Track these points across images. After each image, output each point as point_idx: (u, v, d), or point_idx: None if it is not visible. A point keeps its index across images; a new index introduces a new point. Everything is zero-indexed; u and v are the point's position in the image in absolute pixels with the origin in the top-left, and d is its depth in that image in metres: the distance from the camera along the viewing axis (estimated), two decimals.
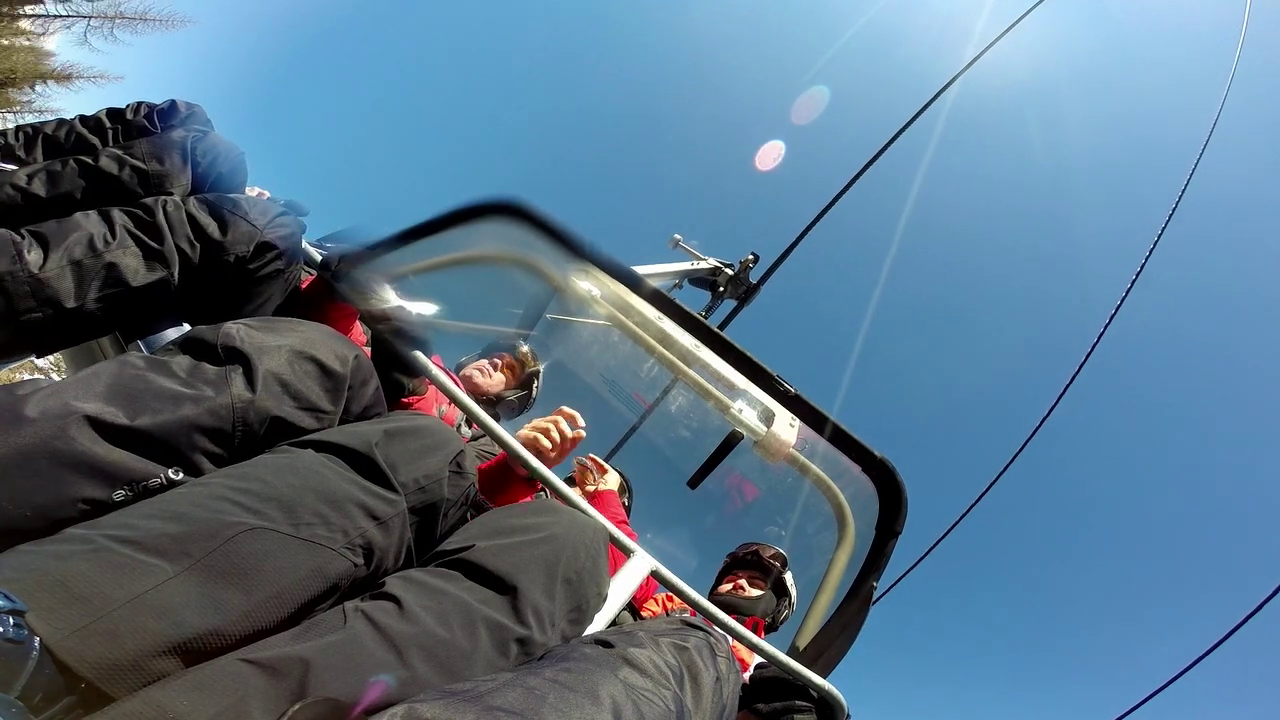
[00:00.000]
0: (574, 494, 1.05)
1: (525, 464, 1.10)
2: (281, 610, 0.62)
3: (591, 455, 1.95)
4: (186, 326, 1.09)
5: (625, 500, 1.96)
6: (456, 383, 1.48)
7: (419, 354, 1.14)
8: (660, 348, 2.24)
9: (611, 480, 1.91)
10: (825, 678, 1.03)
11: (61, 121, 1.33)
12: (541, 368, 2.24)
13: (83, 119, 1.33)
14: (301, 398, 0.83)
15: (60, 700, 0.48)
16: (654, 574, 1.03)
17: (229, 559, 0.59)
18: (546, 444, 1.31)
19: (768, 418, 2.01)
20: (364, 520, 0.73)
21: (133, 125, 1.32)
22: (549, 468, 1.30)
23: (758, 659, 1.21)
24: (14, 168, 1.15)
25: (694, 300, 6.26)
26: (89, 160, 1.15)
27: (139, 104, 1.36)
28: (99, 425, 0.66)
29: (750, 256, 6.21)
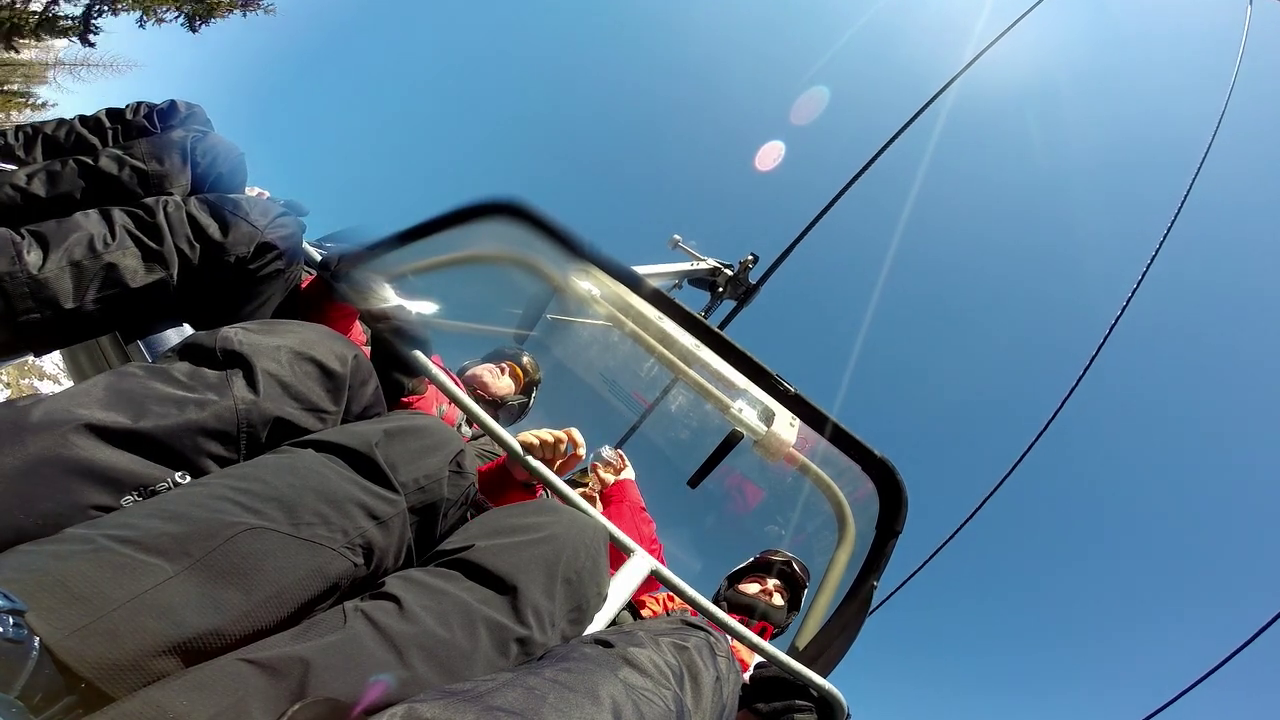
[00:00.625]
0: (574, 494, 1.05)
1: (525, 464, 1.10)
2: (281, 610, 0.62)
3: (618, 450, 1.95)
4: (186, 326, 1.09)
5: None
6: (456, 382, 1.48)
7: (419, 354, 1.14)
8: (660, 347, 2.24)
9: (629, 472, 1.92)
10: (825, 677, 1.03)
11: (61, 121, 1.33)
12: (541, 377, 2.25)
13: (82, 119, 1.33)
14: (303, 398, 0.83)
15: (60, 700, 0.48)
16: (654, 574, 1.03)
17: (229, 559, 0.59)
18: (536, 448, 1.25)
19: (768, 417, 2.01)
20: (364, 520, 0.72)
21: (132, 125, 1.32)
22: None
23: (758, 658, 1.21)
24: (14, 168, 1.15)
25: (693, 301, 6.26)
26: (89, 160, 1.15)
27: (139, 104, 1.36)
28: (103, 432, 0.66)
29: (750, 257, 6.22)
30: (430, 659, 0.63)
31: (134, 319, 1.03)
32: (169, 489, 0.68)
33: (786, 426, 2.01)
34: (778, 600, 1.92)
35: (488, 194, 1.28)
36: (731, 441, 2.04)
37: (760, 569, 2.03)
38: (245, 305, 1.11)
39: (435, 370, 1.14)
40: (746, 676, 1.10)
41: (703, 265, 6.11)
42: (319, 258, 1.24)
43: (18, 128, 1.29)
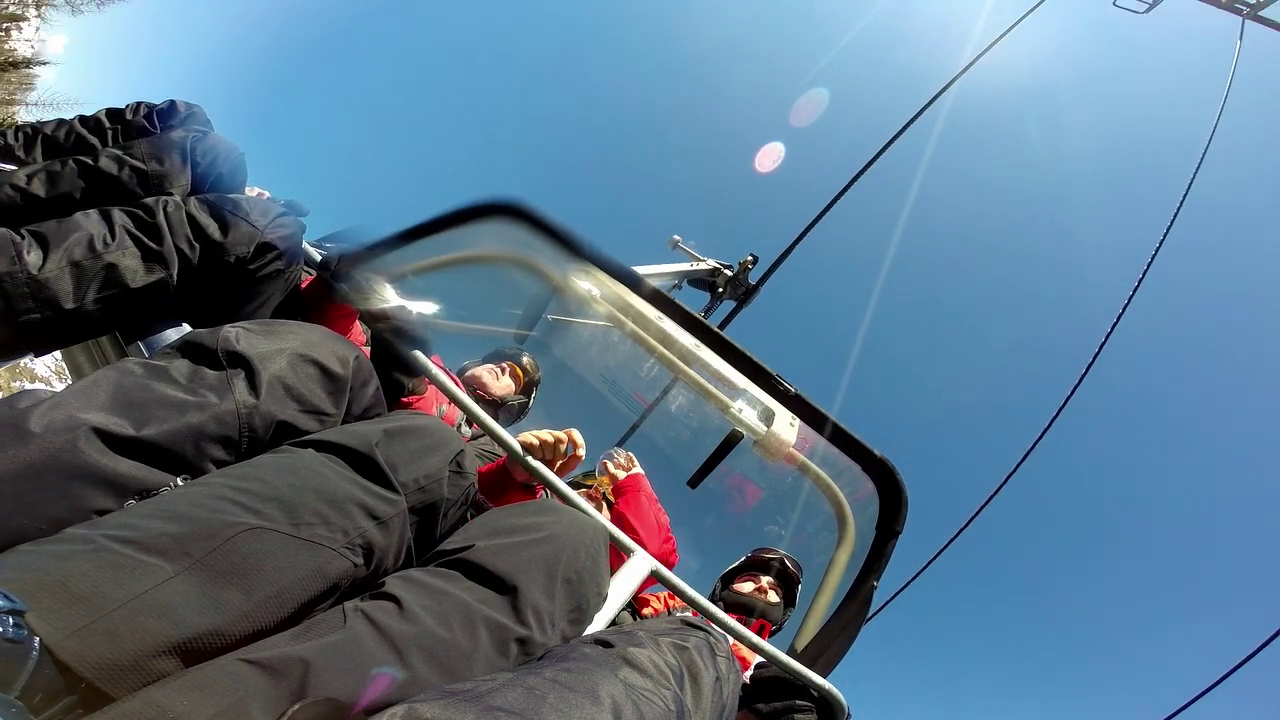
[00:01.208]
0: (574, 494, 1.05)
1: (525, 465, 1.10)
2: (281, 610, 0.62)
3: (626, 451, 1.95)
4: (186, 327, 1.09)
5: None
6: (456, 382, 1.48)
7: (418, 354, 1.14)
8: (660, 347, 2.24)
9: (638, 470, 1.92)
10: (825, 677, 1.03)
11: (61, 122, 1.33)
12: (540, 377, 2.25)
13: (82, 119, 1.33)
14: (304, 400, 0.83)
15: (60, 700, 0.48)
16: (654, 574, 1.03)
17: (229, 559, 0.59)
18: (537, 448, 1.25)
19: (768, 417, 2.01)
20: (364, 520, 0.72)
21: (132, 125, 1.32)
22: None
23: (758, 658, 1.21)
24: (14, 168, 1.15)
25: (693, 301, 6.26)
26: (88, 160, 1.15)
27: (138, 104, 1.36)
28: (106, 437, 0.66)
29: (749, 258, 6.22)
30: (430, 659, 0.63)
31: (134, 319, 1.03)
32: (169, 491, 0.68)
33: (786, 426, 2.01)
34: (773, 597, 1.92)
35: (488, 194, 1.28)
36: (731, 441, 2.04)
37: (753, 567, 2.03)
38: (245, 305, 1.11)
39: (435, 370, 1.14)
40: (746, 676, 1.10)
41: (702, 266, 6.11)
42: (319, 258, 1.24)
43: (17, 128, 1.29)
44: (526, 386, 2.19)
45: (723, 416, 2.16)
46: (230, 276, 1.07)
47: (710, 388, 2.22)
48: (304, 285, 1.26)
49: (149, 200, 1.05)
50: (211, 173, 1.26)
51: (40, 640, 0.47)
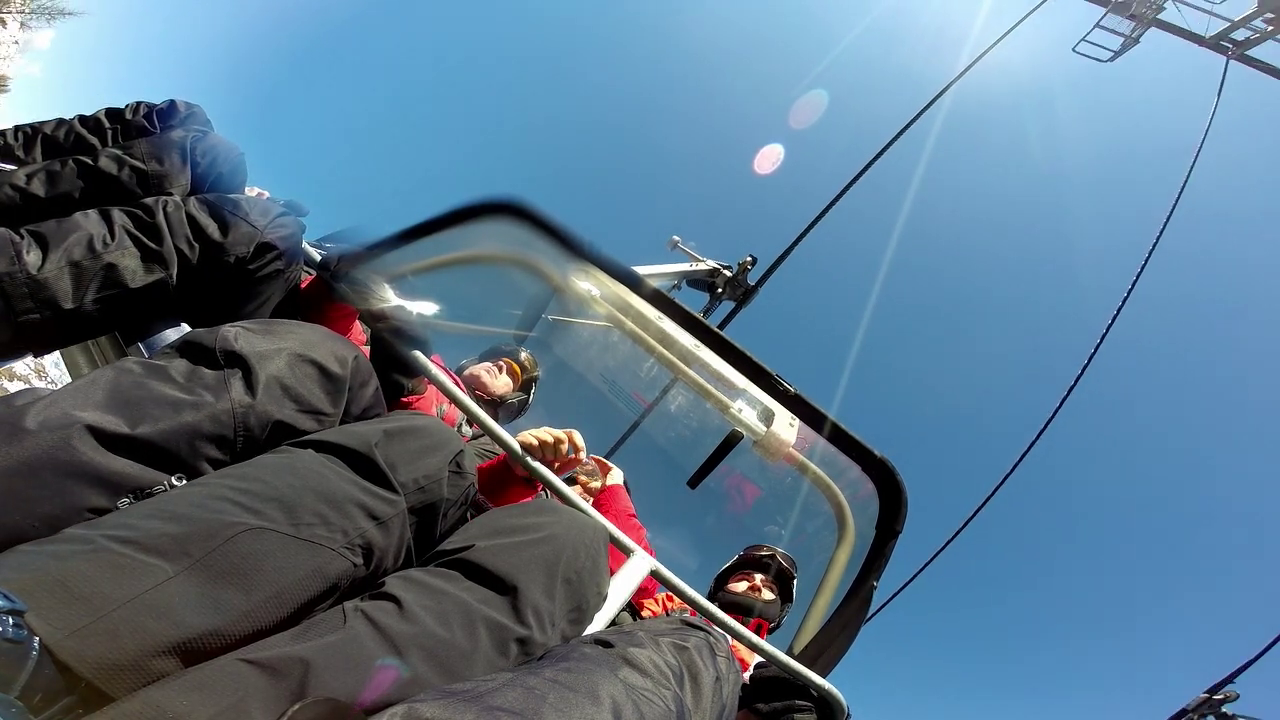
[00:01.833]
0: (574, 494, 1.05)
1: (525, 464, 1.10)
2: (281, 610, 0.62)
3: (594, 456, 1.95)
4: (186, 327, 1.08)
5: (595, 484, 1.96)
6: (456, 382, 1.48)
7: (418, 354, 1.14)
8: (660, 347, 2.24)
9: (616, 476, 1.91)
10: (825, 677, 1.03)
11: (60, 121, 1.32)
12: (539, 374, 2.25)
13: (82, 119, 1.33)
14: (302, 401, 0.83)
15: (60, 700, 0.48)
16: (654, 574, 1.03)
17: (229, 559, 0.59)
18: (536, 448, 1.25)
19: (767, 417, 2.01)
20: (364, 520, 0.72)
21: (132, 125, 1.32)
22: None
23: (758, 658, 1.21)
24: (13, 168, 1.15)
25: (692, 302, 6.27)
26: (88, 160, 1.15)
27: (138, 104, 1.35)
28: (100, 435, 0.66)
29: (748, 258, 6.23)
30: (430, 659, 0.63)
31: (133, 319, 1.03)
32: (165, 491, 0.68)
33: (786, 426, 2.01)
34: (768, 595, 1.92)
35: (488, 193, 1.28)
36: (731, 441, 2.04)
37: (746, 565, 2.03)
38: (245, 305, 1.11)
39: (435, 370, 1.14)
40: (746, 676, 1.10)
41: (702, 266, 6.12)
42: (319, 258, 1.24)
43: (16, 128, 1.28)
44: (525, 384, 2.18)
45: (722, 416, 2.16)
46: (230, 276, 1.07)
47: (710, 388, 2.22)
48: (304, 285, 1.26)
49: (149, 200, 1.05)
50: (211, 173, 1.26)
51: (40, 640, 0.47)
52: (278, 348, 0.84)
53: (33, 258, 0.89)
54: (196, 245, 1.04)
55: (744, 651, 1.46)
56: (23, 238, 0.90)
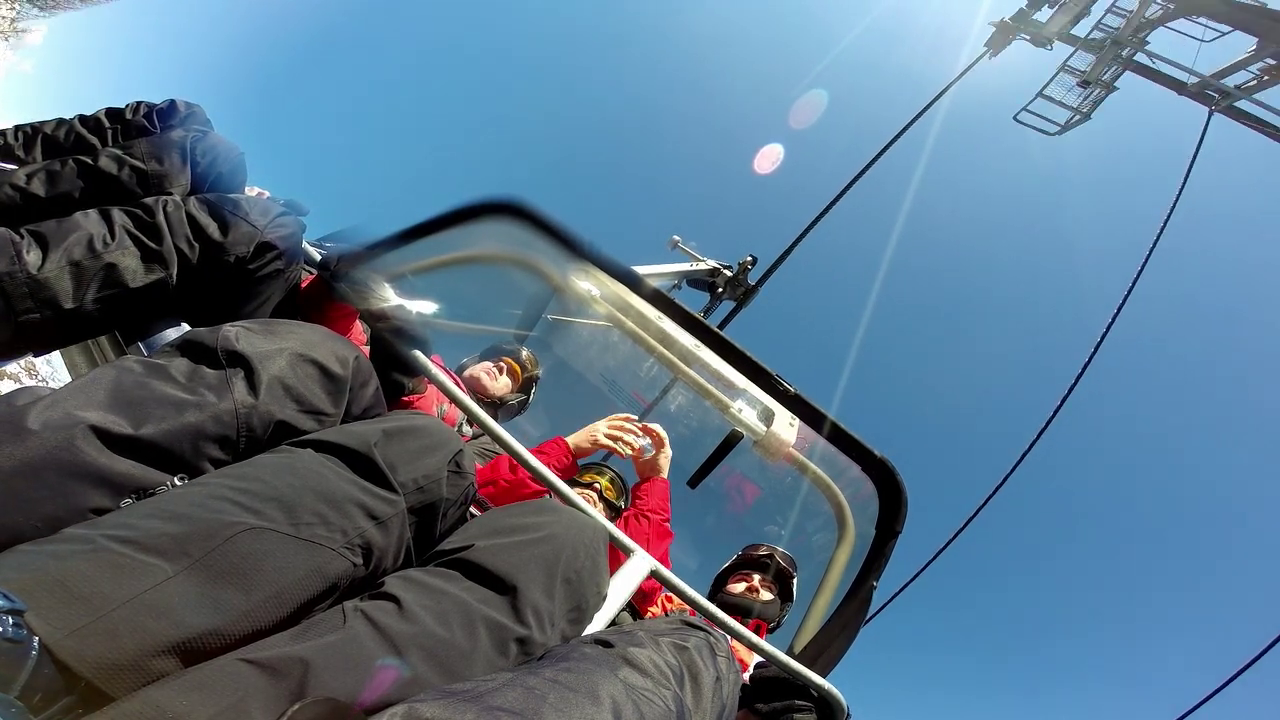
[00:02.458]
0: (574, 494, 1.05)
1: (527, 464, 1.10)
2: (281, 610, 0.62)
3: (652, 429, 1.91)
4: (186, 327, 1.08)
5: (622, 502, 1.96)
6: (456, 382, 1.48)
7: (418, 353, 1.14)
8: (660, 347, 2.24)
9: (666, 457, 1.92)
10: (825, 677, 1.03)
11: (61, 121, 1.32)
12: (540, 373, 2.24)
13: (82, 119, 1.33)
14: (304, 401, 0.83)
15: (59, 700, 0.48)
16: (654, 574, 1.03)
17: (228, 559, 0.59)
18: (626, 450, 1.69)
19: (767, 417, 2.01)
20: (363, 520, 0.72)
21: (132, 125, 1.31)
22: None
23: (757, 658, 1.21)
24: (13, 167, 1.15)
25: (692, 302, 6.27)
26: (88, 160, 1.15)
27: (138, 104, 1.35)
28: (104, 435, 0.66)
29: (749, 258, 6.23)
30: (430, 659, 0.63)
31: (133, 319, 1.03)
32: (167, 490, 0.68)
33: (786, 426, 2.01)
34: (766, 595, 1.91)
35: (488, 193, 1.28)
36: (731, 441, 2.05)
37: (745, 566, 2.02)
38: (245, 305, 1.11)
39: (435, 370, 1.14)
40: (746, 676, 1.10)
41: (702, 266, 6.12)
42: (319, 257, 1.24)
43: (16, 127, 1.28)
44: (525, 383, 2.17)
45: (722, 416, 2.16)
46: (230, 276, 1.07)
47: (710, 388, 2.22)
48: (304, 285, 1.26)
49: (149, 200, 1.04)
50: (211, 172, 1.26)
51: (40, 640, 0.47)
52: (279, 348, 0.84)
53: (33, 257, 0.89)
54: (196, 245, 1.04)
55: (744, 651, 1.46)
56: (23, 237, 0.90)
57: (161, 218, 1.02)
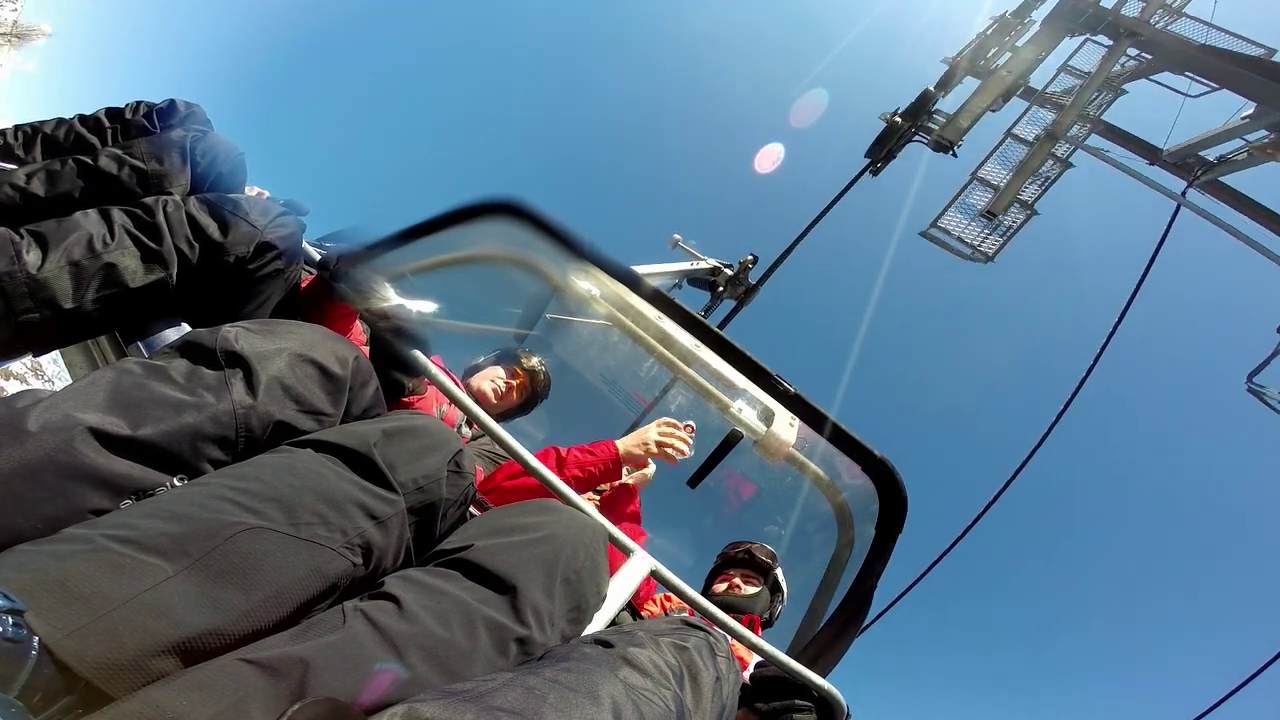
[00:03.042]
0: (573, 494, 1.05)
1: (527, 465, 1.10)
2: (281, 610, 0.62)
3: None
4: (186, 326, 1.08)
5: None
6: (456, 382, 1.48)
7: (418, 353, 1.14)
8: (660, 347, 2.24)
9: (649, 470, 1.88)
10: (825, 677, 1.03)
11: (60, 121, 1.32)
12: (546, 384, 2.18)
13: (82, 118, 1.33)
14: (303, 401, 0.83)
15: (59, 700, 0.48)
16: (653, 574, 1.03)
17: (228, 558, 0.59)
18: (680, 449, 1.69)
19: (767, 417, 2.01)
20: (363, 520, 0.72)
21: (132, 125, 1.31)
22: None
23: (757, 658, 1.21)
24: (13, 167, 1.15)
25: (693, 301, 6.27)
26: (88, 160, 1.15)
27: (138, 103, 1.35)
28: (102, 437, 0.66)
29: (749, 257, 6.23)
30: (429, 659, 0.63)
31: (133, 319, 1.03)
32: (167, 491, 0.68)
33: (786, 426, 2.01)
34: (749, 589, 1.92)
35: (488, 193, 1.28)
36: (731, 441, 2.05)
37: (725, 566, 2.03)
38: (245, 305, 1.11)
39: (435, 370, 1.14)
40: (746, 675, 1.10)
41: (702, 265, 6.12)
42: (319, 257, 1.24)
43: (16, 127, 1.28)
44: (531, 397, 2.12)
45: (722, 416, 2.16)
46: (230, 276, 1.07)
47: (710, 387, 2.22)
48: (304, 285, 1.26)
49: (148, 200, 1.04)
50: (211, 172, 1.26)
51: (39, 640, 0.47)
52: (278, 348, 0.84)
53: (32, 257, 0.89)
54: (196, 245, 1.04)
55: (743, 651, 1.46)
56: (22, 237, 0.90)
57: (161, 218, 1.02)
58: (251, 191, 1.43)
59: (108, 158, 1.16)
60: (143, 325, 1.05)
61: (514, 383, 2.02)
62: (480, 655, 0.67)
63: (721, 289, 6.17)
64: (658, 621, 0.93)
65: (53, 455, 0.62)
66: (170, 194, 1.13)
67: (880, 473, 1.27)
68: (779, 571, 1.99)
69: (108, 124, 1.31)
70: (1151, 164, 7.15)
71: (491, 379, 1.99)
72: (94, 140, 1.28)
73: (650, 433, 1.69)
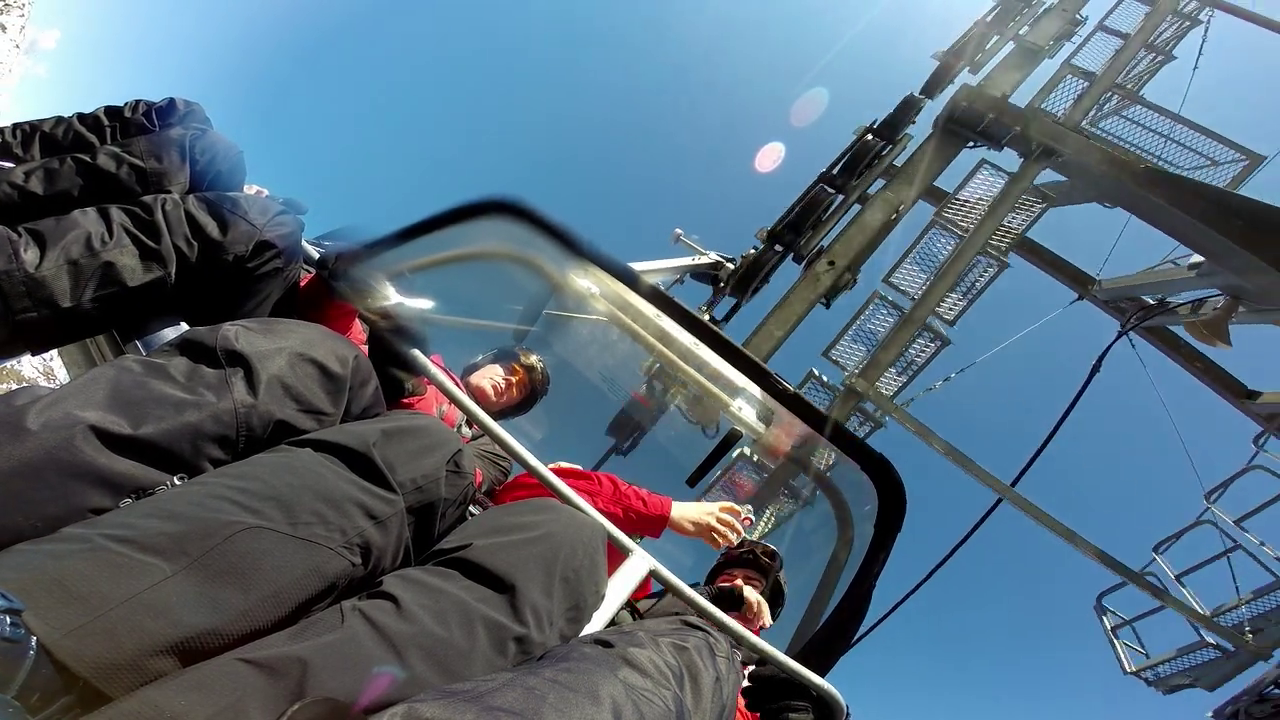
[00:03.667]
0: (572, 493, 1.05)
1: (528, 465, 1.10)
2: (279, 609, 0.62)
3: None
4: (184, 325, 1.08)
5: None
6: (456, 381, 1.47)
7: (417, 352, 1.14)
8: (659, 345, 2.24)
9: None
10: (824, 677, 1.03)
11: (59, 119, 1.32)
12: (546, 381, 2.17)
13: (80, 117, 1.33)
14: (303, 400, 0.83)
15: (58, 700, 0.48)
16: (653, 573, 1.03)
17: (227, 558, 0.59)
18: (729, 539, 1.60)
19: (767, 417, 2.01)
20: (362, 519, 0.72)
21: (131, 123, 1.31)
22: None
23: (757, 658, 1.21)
24: (11, 165, 1.14)
25: (695, 296, 6.26)
26: (86, 158, 1.15)
27: (137, 102, 1.35)
28: (103, 435, 0.66)
29: (752, 251, 6.22)
30: (429, 658, 0.63)
31: (132, 318, 1.03)
32: (167, 490, 0.68)
33: (786, 426, 2.01)
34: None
35: (488, 192, 1.28)
36: (731, 440, 2.05)
37: (727, 566, 2.02)
38: (244, 304, 1.11)
39: (434, 369, 1.13)
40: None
41: (705, 260, 6.11)
42: (318, 256, 1.24)
43: (15, 125, 1.28)
44: (530, 395, 2.12)
45: (722, 415, 2.16)
46: (229, 275, 1.07)
47: (710, 386, 2.23)
48: (303, 283, 1.26)
49: (147, 198, 1.04)
50: (210, 171, 1.26)
51: (37, 639, 0.47)
52: (278, 347, 0.84)
53: (30, 256, 0.88)
54: (195, 243, 1.04)
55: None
56: (20, 236, 0.90)
57: (160, 216, 1.01)
58: (250, 190, 1.43)
59: (106, 156, 1.16)
60: (141, 324, 1.05)
61: (513, 380, 2.01)
62: (479, 654, 0.67)
63: (723, 284, 6.17)
64: (658, 622, 0.93)
65: (54, 453, 0.62)
66: (169, 192, 1.13)
67: (879, 472, 1.27)
68: (782, 574, 1.98)
69: (106, 122, 1.31)
70: (1082, 298, 6.27)
71: (490, 377, 1.97)
72: (93, 138, 1.28)
73: (710, 514, 1.62)
